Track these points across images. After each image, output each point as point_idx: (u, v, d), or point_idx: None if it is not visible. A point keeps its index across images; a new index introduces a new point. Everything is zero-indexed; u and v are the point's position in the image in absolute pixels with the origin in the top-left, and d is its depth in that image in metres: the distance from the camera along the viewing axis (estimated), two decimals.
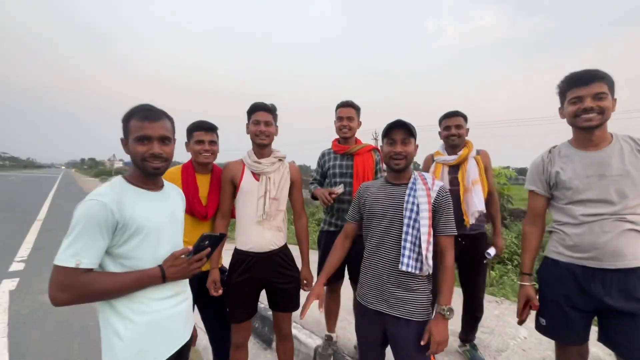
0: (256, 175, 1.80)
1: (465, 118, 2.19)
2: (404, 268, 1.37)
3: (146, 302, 1.12)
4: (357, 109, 2.21)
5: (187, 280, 1.35)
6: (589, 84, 1.35)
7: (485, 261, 2.19)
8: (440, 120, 2.26)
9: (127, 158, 1.22)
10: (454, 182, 2.12)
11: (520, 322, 1.59)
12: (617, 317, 1.33)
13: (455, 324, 2.65)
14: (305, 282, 1.91)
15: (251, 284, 1.80)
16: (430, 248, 1.37)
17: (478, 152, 2.21)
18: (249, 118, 1.85)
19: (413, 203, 1.40)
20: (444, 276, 1.41)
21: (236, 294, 1.78)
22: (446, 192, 1.47)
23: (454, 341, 2.47)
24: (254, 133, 1.79)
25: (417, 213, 1.38)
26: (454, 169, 2.15)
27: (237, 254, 1.83)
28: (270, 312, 2.60)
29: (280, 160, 1.87)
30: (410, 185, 1.46)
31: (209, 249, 1.23)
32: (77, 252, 0.99)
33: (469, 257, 2.17)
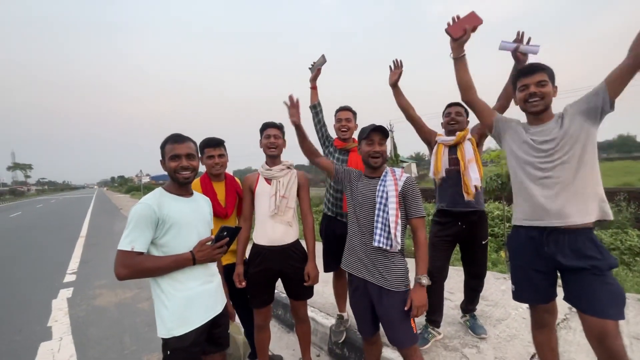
0: (269, 180, 2.14)
1: (466, 110, 2.41)
2: (375, 244, 1.66)
3: (184, 281, 1.51)
4: (354, 112, 2.51)
5: (215, 268, 1.71)
6: (533, 73, 1.60)
7: (484, 242, 2.38)
8: (444, 111, 2.52)
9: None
10: (453, 161, 2.32)
11: None
12: (572, 275, 1.51)
13: (457, 299, 2.88)
14: (308, 277, 2.11)
15: (266, 274, 2.10)
16: (399, 228, 1.65)
17: (472, 136, 2.39)
18: (261, 134, 2.20)
19: (383, 191, 1.69)
20: (418, 251, 1.69)
21: (254, 282, 2.09)
22: (412, 182, 1.73)
23: (457, 314, 2.70)
24: (266, 146, 2.14)
25: (387, 199, 1.67)
26: (453, 150, 2.34)
27: (254, 247, 2.15)
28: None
29: (288, 167, 2.20)
30: (382, 177, 1.75)
31: (227, 239, 1.56)
32: (132, 240, 1.39)
33: (471, 239, 2.37)
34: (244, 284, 2.08)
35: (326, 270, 2.45)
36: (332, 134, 2.59)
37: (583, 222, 1.49)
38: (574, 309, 2.66)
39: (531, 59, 1.92)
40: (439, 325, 2.43)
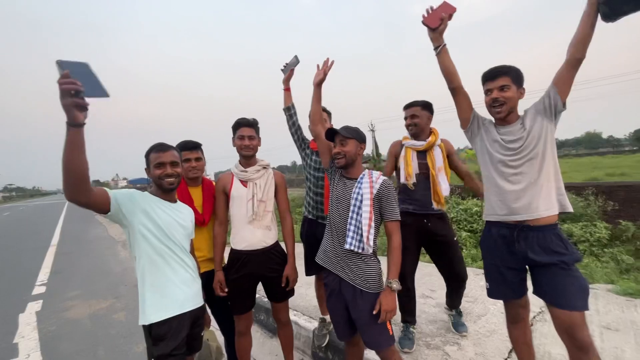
0: (244, 182, 2.05)
1: (424, 106, 2.31)
2: (347, 247, 1.65)
3: (166, 276, 1.58)
4: (328, 112, 2.46)
5: (196, 272, 1.76)
6: (495, 78, 1.65)
7: (455, 238, 2.40)
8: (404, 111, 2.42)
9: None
10: (422, 166, 2.29)
11: None
12: (541, 270, 1.58)
13: (438, 297, 2.92)
14: (287, 279, 2.06)
15: (247, 280, 2.04)
16: (372, 231, 1.65)
17: (442, 140, 2.37)
18: (234, 133, 2.10)
19: (358, 194, 1.69)
20: (391, 255, 1.68)
21: (234, 289, 2.03)
22: (388, 184, 1.72)
23: (438, 312, 2.74)
24: (239, 147, 2.06)
25: (361, 202, 1.66)
26: (422, 154, 2.31)
27: (233, 253, 2.08)
28: None
29: (264, 167, 2.12)
30: (359, 179, 1.74)
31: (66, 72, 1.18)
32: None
33: (439, 237, 2.34)
34: (226, 290, 2.01)
35: (308, 273, 2.42)
36: (308, 135, 2.51)
37: (548, 215, 1.56)
38: None
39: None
40: (415, 321, 2.44)
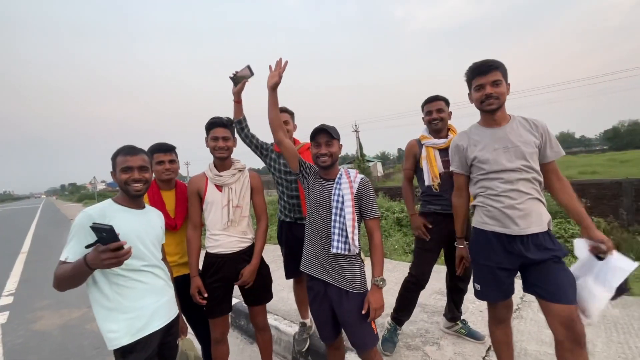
0: (219, 187, 1.98)
1: (446, 102, 2.25)
2: (334, 250, 1.62)
3: (130, 294, 1.45)
4: (291, 113, 2.38)
5: (168, 278, 1.65)
6: (487, 73, 1.61)
7: None
8: (423, 106, 2.33)
9: (109, 179, 1.55)
10: (445, 164, 2.15)
11: (458, 274, 2.02)
12: (536, 267, 1.58)
13: (421, 298, 2.91)
14: (241, 277, 1.95)
15: (222, 283, 1.98)
16: (356, 232, 1.63)
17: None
18: (207, 133, 2.01)
19: (339, 195, 1.66)
20: (374, 253, 1.67)
21: (210, 293, 1.96)
22: (367, 182, 1.71)
23: (419, 311, 2.73)
24: (213, 148, 1.97)
25: (343, 203, 1.64)
26: (444, 152, 2.17)
27: (208, 257, 2.02)
28: None
29: (240, 170, 2.04)
30: (337, 180, 1.72)
31: (117, 243, 1.23)
32: (68, 251, 1.36)
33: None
34: (205, 295, 1.93)
35: (288, 277, 2.37)
36: (267, 139, 2.37)
37: (540, 230, 1.58)
38: (525, 299, 2.84)
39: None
40: (402, 324, 2.38)
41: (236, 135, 2.12)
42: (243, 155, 2.14)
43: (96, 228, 1.22)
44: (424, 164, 2.24)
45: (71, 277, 1.30)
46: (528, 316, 2.59)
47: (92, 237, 1.28)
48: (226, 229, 1.95)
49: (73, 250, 1.35)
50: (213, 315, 2.01)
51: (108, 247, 1.21)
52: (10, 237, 11.48)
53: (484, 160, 1.67)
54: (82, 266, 1.26)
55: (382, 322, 2.65)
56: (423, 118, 2.33)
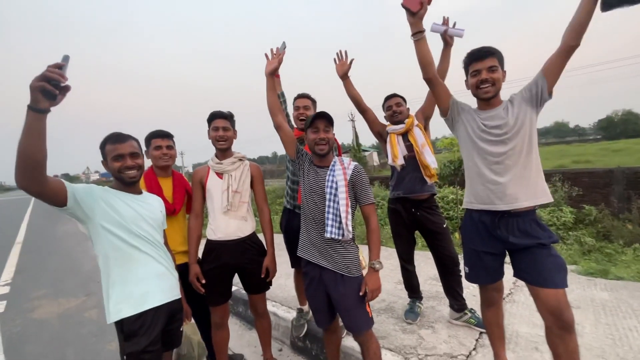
0: (220, 175, 2.03)
1: (403, 99, 2.50)
2: (328, 235, 1.64)
3: (135, 272, 1.48)
4: (313, 100, 2.42)
5: (171, 263, 1.69)
6: (484, 59, 1.62)
7: (444, 225, 2.42)
8: (383, 104, 2.55)
9: (103, 169, 1.54)
10: (409, 148, 2.38)
11: None
12: (522, 253, 1.59)
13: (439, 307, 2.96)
14: (267, 271, 2.06)
15: (223, 270, 2.01)
16: (350, 217, 1.65)
17: (418, 123, 2.44)
18: (209, 125, 2.07)
19: (332, 181, 1.67)
20: (370, 237, 1.70)
21: (209, 280, 1.99)
22: (360, 169, 1.74)
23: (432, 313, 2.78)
24: (214, 139, 2.03)
25: (336, 189, 1.65)
26: (405, 137, 2.40)
27: (208, 244, 2.05)
28: None
29: (240, 160, 2.09)
30: (330, 167, 1.73)
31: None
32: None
33: (429, 226, 2.40)
34: (203, 281, 1.97)
35: (293, 265, 2.41)
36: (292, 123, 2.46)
37: (530, 205, 1.57)
38: (518, 284, 2.90)
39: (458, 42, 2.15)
40: (422, 297, 2.64)
41: (239, 127, 2.15)
42: (239, 145, 2.14)
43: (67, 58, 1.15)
44: (388, 148, 2.46)
45: (24, 132, 1.12)
46: (520, 300, 2.66)
47: (90, 192, 1.41)
48: (226, 213, 1.99)
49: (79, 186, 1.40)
50: (213, 303, 2.04)
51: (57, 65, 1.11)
52: (4, 228, 11.39)
53: (474, 131, 1.70)
54: (27, 112, 1.11)
55: (378, 308, 2.71)
56: (385, 116, 2.55)
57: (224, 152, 2.06)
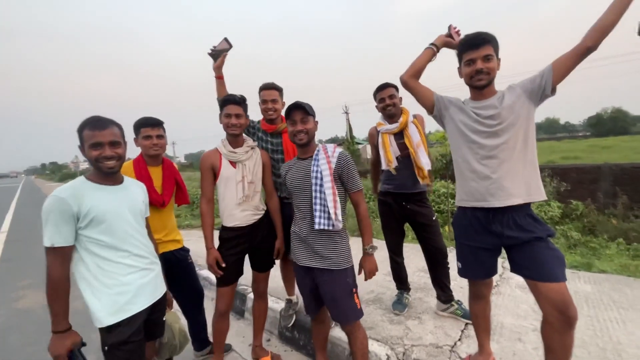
0: (233, 163, 2.01)
1: (396, 88, 2.36)
2: (316, 227, 1.63)
3: (116, 272, 1.42)
4: (279, 90, 2.29)
5: (154, 255, 1.63)
6: (479, 47, 1.55)
7: (434, 218, 2.43)
8: (375, 94, 2.44)
9: None
10: (401, 147, 2.32)
11: None
12: (520, 248, 1.54)
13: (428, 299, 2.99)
14: (278, 251, 2.18)
15: (239, 253, 2.06)
16: (338, 206, 1.64)
17: (414, 116, 2.41)
18: (221, 110, 2.03)
19: (317, 171, 1.65)
20: (361, 223, 1.71)
21: (228, 263, 2.00)
22: (346, 156, 1.70)
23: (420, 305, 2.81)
24: (226, 125, 1.99)
25: (322, 179, 1.63)
26: (399, 136, 2.34)
27: (225, 231, 2.06)
28: (242, 287, 2.86)
29: (252, 148, 2.09)
30: (314, 157, 1.71)
31: None
32: (50, 237, 1.29)
33: (418, 219, 2.41)
34: (223, 265, 1.98)
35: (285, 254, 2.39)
36: (254, 117, 2.37)
37: (523, 202, 1.52)
38: (504, 276, 2.95)
39: None
40: (409, 289, 2.67)
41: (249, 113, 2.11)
42: None
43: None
44: (380, 150, 2.39)
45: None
46: (505, 292, 2.70)
47: (70, 221, 1.30)
48: (241, 204, 2.01)
49: (58, 236, 1.29)
50: (227, 283, 2.05)
51: None
52: None
53: (465, 124, 1.66)
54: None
55: (367, 299, 2.73)
56: (376, 106, 2.45)
57: (235, 138, 2.03)
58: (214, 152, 2.05)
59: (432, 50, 1.78)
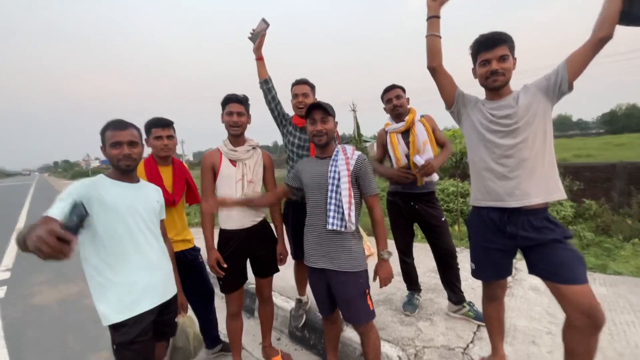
0: (233, 162, 1.99)
1: (403, 89, 2.40)
2: (329, 227, 1.62)
3: (122, 269, 1.45)
4: (311, 85, 2.32)
5: (164, 254, 1.66)
6: (494, 47, 1.52)
7: (443, 219, 2.41)
8: (382, 96, 2.47)
9: (103, 156, 1.55)
10: (409, 146, 2.32)
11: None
12: (537, 250, 1.51)
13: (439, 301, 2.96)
14: (281, 256, 2.14)
15: (239, 257, 2.03)
16: (353, 208, 1.62)
17: (422, 116, 2.41)
18: (223, 109, 2.01)
19: (335, 172, 1.64)
20: (376, 228, 1.70)
21: (227, 268, 1.97)
22: (364, 159, 1.69)
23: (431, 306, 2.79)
24: (228, 124, 1.98)
25: (339, 180, 1.62)
26: (406, 134, 2.34)
27: (223, 233, 2.04)
28: (251, 286, 2.87)
29: (254, 148, 2.07)
30: (333, 157, 1.70)
31: (68, 234, 1.07)
32: (52, 210, 1.28)
33: (427, 219, 2.38)
34: (225, 265, 1.96)
35: (295, 257, 2.39)
36: (288, 111, 2.41)
37: (542, 202, 1.49)
38: (517, 277, 2.90)
39: None
40: (420, 289, 2.64)
41: (251, 112, 2.10)
42: (252, 132, 2.09)
43: (76, 206, 1.23)
44: (389, 150, 2.41)
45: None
46: (518, 294, 2.66)
47: (79, 199, 1.32)
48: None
49: (57, 209, 1.27)
50: (229, 290, 2.04)
51: (54, 229, 1.03)
52: (4, 214, 11.42)
53: (481, 123, 1.63)
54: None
55: (377, 299, 2.72)
56: (384, 108, 2.47)
57: (237, 137, 2.02)
58: (215, 151, 2.05)
59: (437, 20, 1.66)
